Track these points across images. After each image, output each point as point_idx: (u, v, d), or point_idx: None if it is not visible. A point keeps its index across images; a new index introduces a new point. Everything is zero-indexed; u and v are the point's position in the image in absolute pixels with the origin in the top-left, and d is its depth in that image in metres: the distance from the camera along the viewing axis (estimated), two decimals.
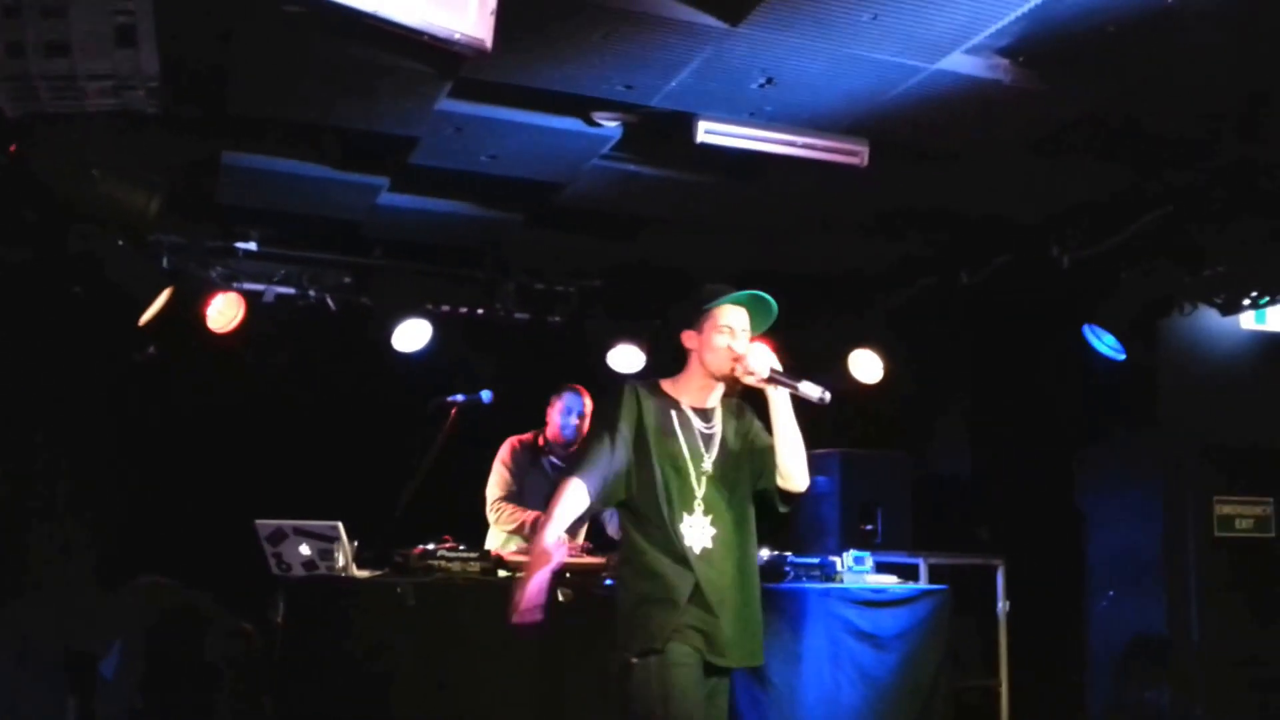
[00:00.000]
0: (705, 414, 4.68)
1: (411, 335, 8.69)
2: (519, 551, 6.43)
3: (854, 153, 6.47)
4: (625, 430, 4.55)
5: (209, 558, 7.01)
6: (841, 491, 8.73)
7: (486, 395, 7.02)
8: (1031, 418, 9.00)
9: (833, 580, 6.94)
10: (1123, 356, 7.78)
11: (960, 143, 6.51)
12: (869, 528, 8.59)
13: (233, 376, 8.30)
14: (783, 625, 6.55)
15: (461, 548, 6.33)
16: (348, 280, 8.69)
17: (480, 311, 9.04)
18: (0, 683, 7.02)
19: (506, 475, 7.26)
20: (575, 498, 4.45)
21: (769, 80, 5.76)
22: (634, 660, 4.41)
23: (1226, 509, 8.24)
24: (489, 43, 4.75)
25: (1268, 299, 7.63)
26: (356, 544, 6.07)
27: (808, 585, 6.81)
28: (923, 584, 7.47)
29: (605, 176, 7.18)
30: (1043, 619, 8.32)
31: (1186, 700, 7.87)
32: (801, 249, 8.56)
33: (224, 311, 8.05)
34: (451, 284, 8.98)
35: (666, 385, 4.72)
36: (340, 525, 5.95)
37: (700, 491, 4.57)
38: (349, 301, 8.68)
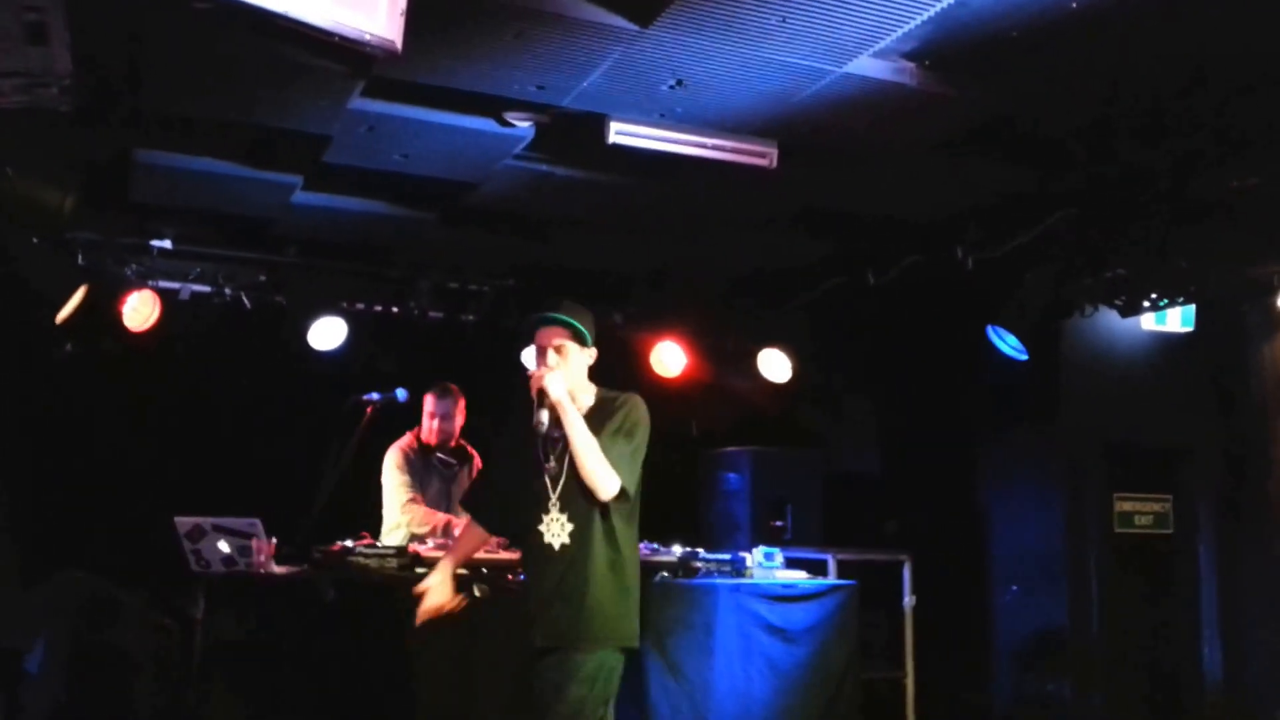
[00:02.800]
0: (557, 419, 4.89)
1: (326, 334, 8.67)
2: (436, 547, 6.47)
3: (763, 154, 6.54)
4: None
5: (129, 554, 7.01)
6: (752, 488, 8.86)
7: (402, 394, 7.05)
8: (938, 416, 9.14)
9: (743, 575, 7.05)
10: (1025, 356, 7.90)
11: (867, 144, 6.60)
12: (779, 524, 8.71)
13: (149, 374, 8.25)
14: (695, 620, 6.65)
15: (379, 544, 6.37)
16: (262, 278, 8.64)
17: (395, 310, 9.04)
18: None
19: (407, 478, 7.29)
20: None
21: (679, 82, 5.82)
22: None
23: (1126, 505, 8.44)
24: (399, 43, 4.77)
25: (1167, 300, 7.76)
26: (275, 541, 6.09)
27: (719, 580, 6.90)
28: (832, 579, 7.58)
29: (518, 176, 7.21)
30: (949, 612, 8.46)
31: (1086, 691, 8.04)
32: (712, 249, 8.63)
33: (139, 309, 8.00)
34: (366, 282, 8.98)
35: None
36: (259, 522, 5.97)
37: (552, 493, 4.87)
38: (264, 300, 8.64)
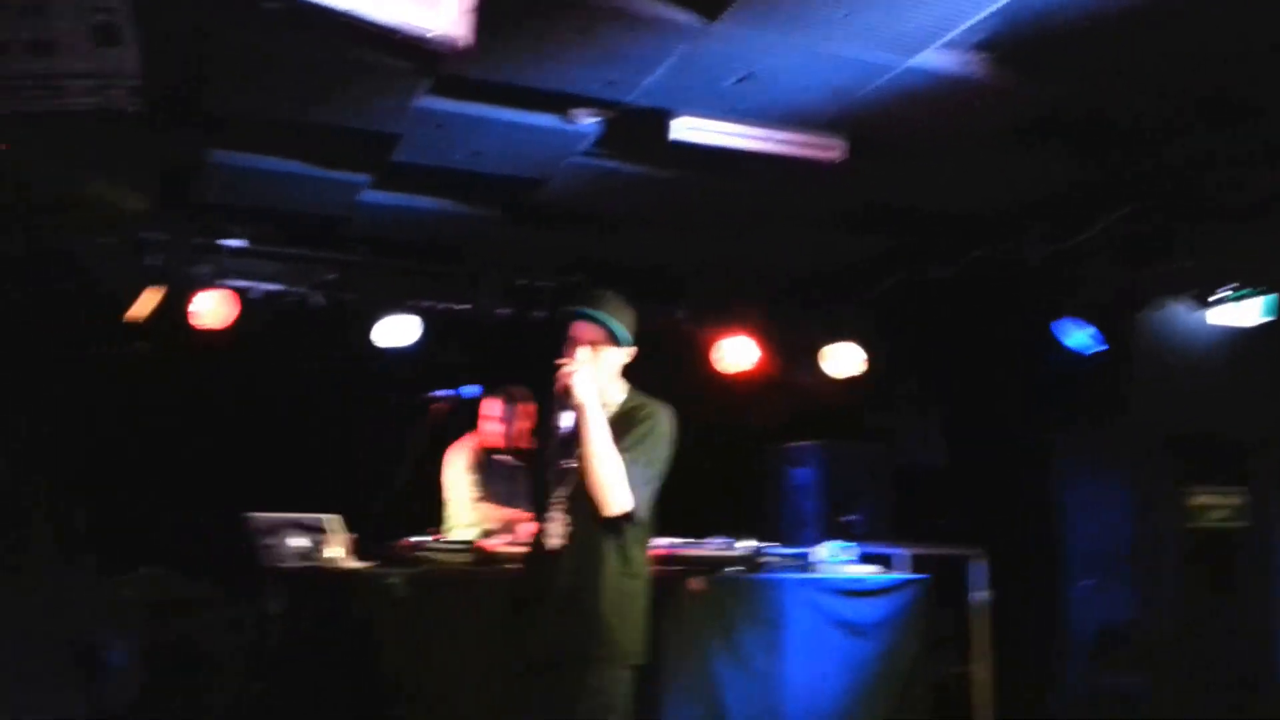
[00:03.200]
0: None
1: (396, 331, 8.71)
2: (506, 542, 6.50)
3: (829, 148, 6.52)
4: None
5: (204, 551, 7.08)
6: (821, 484, 8.84)
7: (471, 390, 7.08)
8: (1006, 410, 9.06)
9: (813, 570, 7.02)
10: (1093, 349, 7.85)
11: (933, 138, 6.57)
12: (848, 518, 8.68)
13: (222, 373, 8.35)
14: (765, 614, 6.64)
15: (449, 539, 6.42)
16: (332, 277, 8.71)
17: (463, 307, 9.08)
18: (5, 676, 7.08)
19: (476, 477, 7.31)
20: None
21: (744, 77, 5.82)
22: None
23: (1199, 499, 8.33)
24: (466, 40, 4.78)
25: (1238, 292, 7.67)
26: (348, 535, 6.15)
27: (789, 576, 6.88)
28: (902, 574, 7.55)
29: (584, 173, 7.22)
30: (1019, 607, 8.39)
31: (1159, 686, 7.96)
32: (777, 244, 8.62)
33: (211, 309, 8.07)
34: (434, 280, 9.02)
35: None
36: (333, 517, 6.03)
37: (561, 492, 4.62)
38: (334, 298, 8.71)
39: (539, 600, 4.60)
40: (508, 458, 7.43)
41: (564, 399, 4.55)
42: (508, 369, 7.67)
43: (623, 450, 4.55)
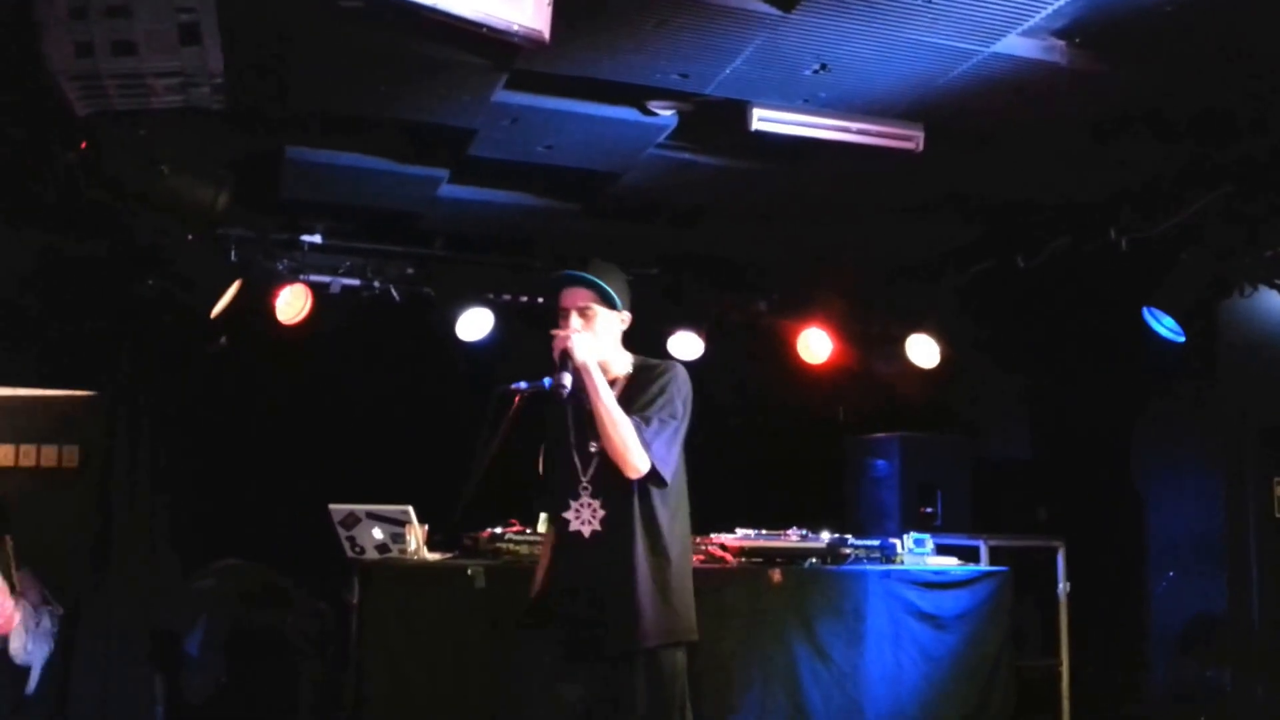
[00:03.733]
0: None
1: (474, 324, 8.78)
2: None
3: (909, 138, 6.45)
4: None
5: (286, 542, 7.16)
6: (901, 474, 8.80)
7: (548, 382, 7.09)
8: (1091, 400, 8.98)
9: (893, 562, 7.00)
10: (1182, 338, 7.75)
11: (1016, 126, 6.48)
12: (929, 510, 8.63)
13: (302, 366, 8.43)
14: (845, 606, 6.63)
15: (528, 531, 6.44)
16: (410, 271, 8.77)
17: (540, 300, 9.11)
18: (90, 662, 7.23)
19: None
20: None
21: (823, 66, 5.76)
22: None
23: None
24: (546, 33, 4.79)
25: None
26: (427, 527, 6.19)
27: (869, 567, 6.87)
28: (983, 566, 7.50)
29: (661, 165, 7.20)
30: (1103, 599, 8.33)
31: (1246, 680, 7.85)
32: (857, 235, 8.56)
33: (291, 303, 8.16)
34: (512, 274, 9.06)
35: None
36: (411, 509, 6.08)
37: (585, 474, 4.57)
38: (412, 292, 8.77)
39: (573, 590, 4.52)
40: None
41: (563, 362, 4.48)
42: None
43: (639, 411, 4.48)
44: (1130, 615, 8.54)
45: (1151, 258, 7.75)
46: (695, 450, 4.81)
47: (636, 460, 4.40)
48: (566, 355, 4.47)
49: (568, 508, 4.54)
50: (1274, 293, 7.72)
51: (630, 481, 4.47)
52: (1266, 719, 7.77)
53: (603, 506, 4.50)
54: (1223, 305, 8.01)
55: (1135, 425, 8.77)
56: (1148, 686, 8.44)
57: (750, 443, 9.65)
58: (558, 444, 4.64)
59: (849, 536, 7.11)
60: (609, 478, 4.50)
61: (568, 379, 4.43)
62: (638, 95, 6.25)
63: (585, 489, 4.53)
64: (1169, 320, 7.76)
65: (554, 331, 4.57)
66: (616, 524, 4.49)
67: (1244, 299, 7.88)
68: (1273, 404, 8.13)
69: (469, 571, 5.99)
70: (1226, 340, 8.13)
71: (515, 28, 4.68)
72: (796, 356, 9.51)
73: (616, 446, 4.40)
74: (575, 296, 4.65)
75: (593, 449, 4.55)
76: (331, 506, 6.03)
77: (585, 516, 4.51)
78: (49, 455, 8.21)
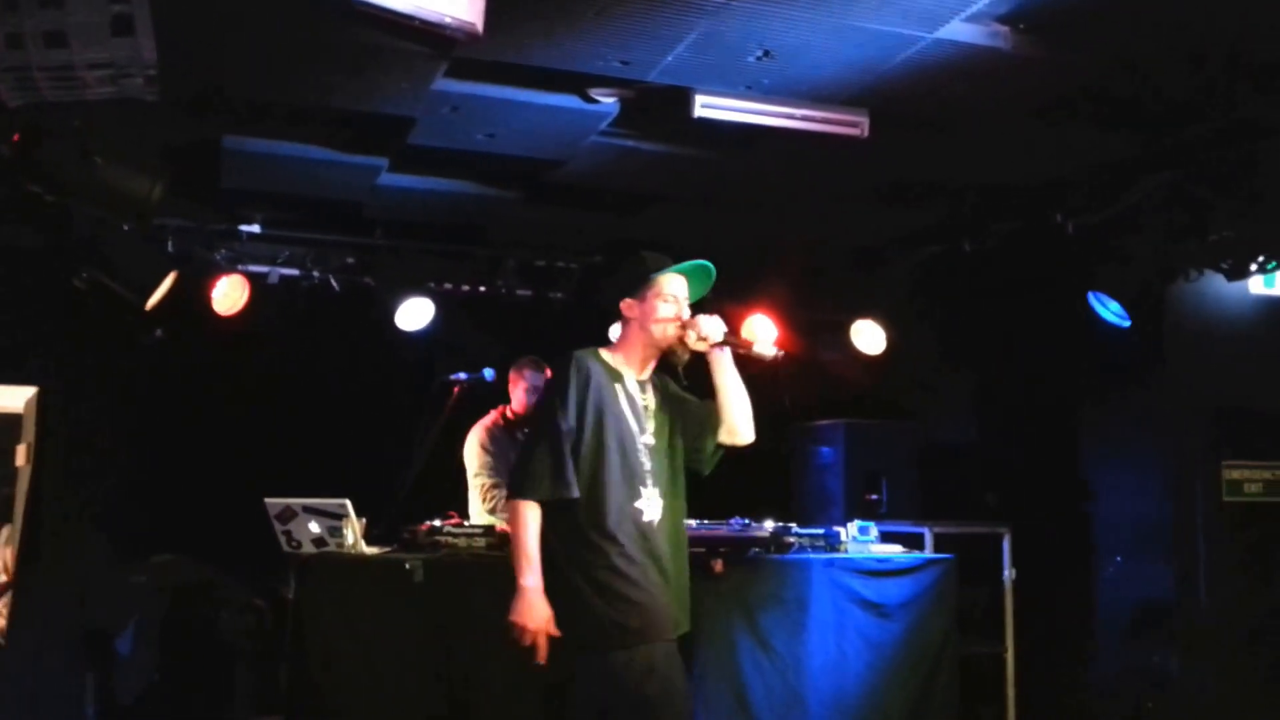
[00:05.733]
0: (643, 385, 4.73)
1: (414, 314, 8.72)
2: None
3: (854, 124, 6.44)
4: (574, 420, 4.52)
5: (221, 536, 7.08)
6: (846, 462, 8.77)
7: (489, 373, 7.05)
8: (1037, 385, 8.99)
9: (837, 550, 6.96)
10: (1128, 323, 7.78)
11: (961, 111, 6.47)
12: (874, 497, 8.62)
13: (239, 358, 8.35)
14: (787, 595, 6.59)
15: (467, 524, 6.38)
16: (350, 261, 8.72)
17: (482, 290, 9.05)
18: (20, 660, 7.12)
19: (488, 459, 7.26)
20: (535, 523, 4.46)
21: (766, 52, 5.73)
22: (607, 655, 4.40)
23: (1235, 473, 8.23)
24: (480, 25, 4.78)
25: (1275, 263, 7.58)
26: (365, 521, 6.12)
27: (812, 555, 6.82)
28: (928, 553, 7.49)
29: (604, 152, 7.16)
30: (1050, 585, 8.34)
31: (1194, 665, 7.88)
32: (803, 221, 8.55)
33: (229, 294, 8.09)
34: (453, 263, 9.00)
35: (607, 356, 4.75)
36: (348, 503, 6.00)
37: (649, 465, 4.60)
38: (352, 282, 8.71)
39: (662, 585, 4.53)
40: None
41: (724, 341, 4.70)
42: (528, 350, 7.62)
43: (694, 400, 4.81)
44: (1077, 601, 8.57)
45: (1098, 243, 7.78)
46: None
47: (750, 431, 4.79)
48: (717, 335, 4.68)
49: (639, 496, 4.56)
50: (1219, 277, 7.75)
51: (674, 470, 4.69)
52: (1213, 704, 7.82)
53: (660, 495, 4.60)
54: (1169, 290, 8.03)
55: (1082, 410, 8.80)
56: (1094, 672, 8.47)
57: None
58: (623, 437, 4.59)
59: (793, 525, 7.05)
60: (663, 467, 4.65)
61: (768, 348, 4.85)
62: (579, 83, 6.21)
63: (651, 477, 4.60)
64: (1114, 305, 7.79)
65: (694, 319, 4.70)
66: (673, 510, 4.66)
67: (1189, 284, 7.92)
68: (1219, 389, 8.17)
69: (407, 565, 5.93)
70: (1172, 325, 8.16)
71: (448, 20, 4.66)
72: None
73: (749, 415, 4.77)
74: (682, 287, 4.79)
75: (650, 439, 4.65)
76: (267, 500, 5.94)
77: (653, 505, 4.57)
78: None
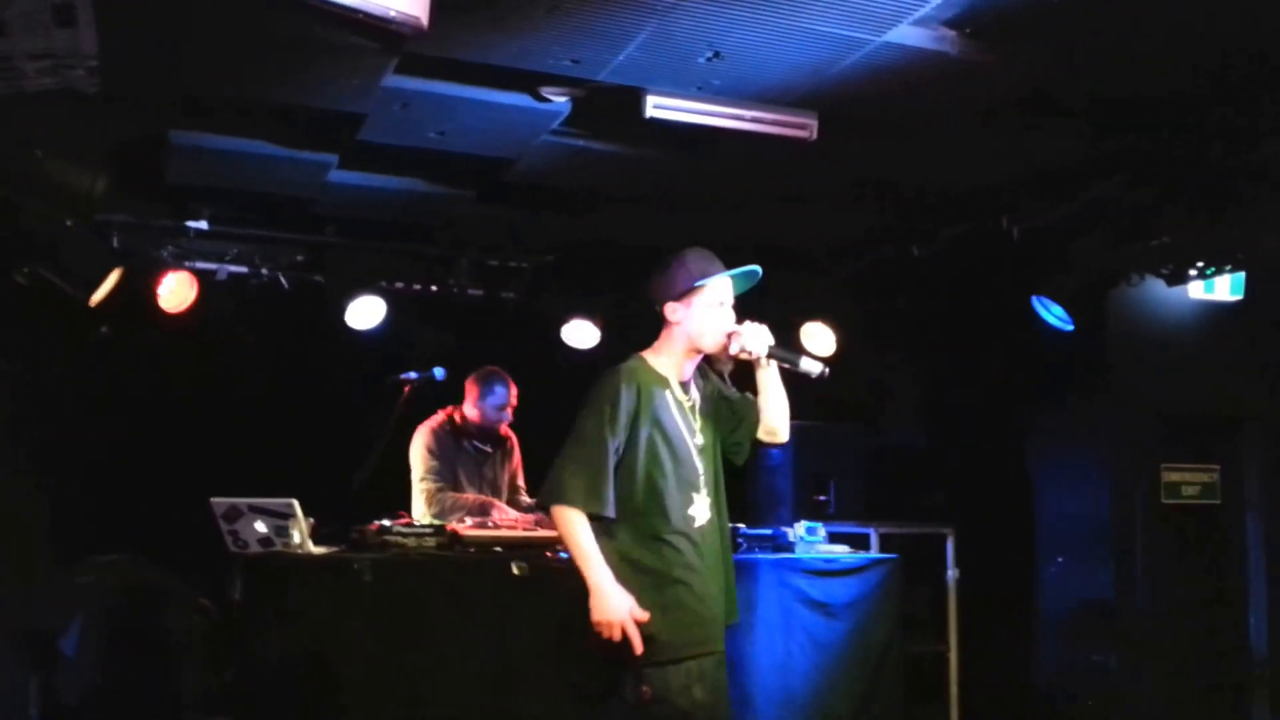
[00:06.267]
0: (685, 386, 4.66)
1: (365, 313, 8.66)
2: (475, 525, 6.44)
3: (803, 126, 6.45)
4: (624, 435, 4.42)
5: (166, 535, 7.02)
6: (794, 463, 8.77)
7: (440, 372, 7.00)
8: (983, 388, 9.06)
9: (785, 550, 7.00)
10: (1070, 327, 7.84)
11: (909, 114, 6.50)
12: (822, 498, 8.64)
13: (186, 355, 8.28)
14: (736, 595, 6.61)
15: (417, 524, 6.35)
16: (300, 258, 8.66)
17: (434, 288, 9.01)
18: None
19: (434, 462, 7.19)
20: (581, 521, 4.35)
21: (715, 54, 5.74)
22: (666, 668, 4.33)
23: (1174, 476, 8.34)
24: (425, 19, 4.73)
25: (1214, 269, 7.67)
26: (312, 521, 6.08)
27: (760, 556, 6.86)
28: (874, 553, 7.54)
29: (555, 152, 7.14)
30: (993, 585, 8.40)
31: (1134, 663, 7.97)
32: (753, 222, 8.55)
33: (176, 291, 8.02)
34: (404, 261, 8.96)
35: (652, 360, 4.64)
36: (295, 502, 5.96)
37: (700, 468, 4.55)
38: (302, 279, 8.65)
39: (701, 587, 4.46)
40: (481, 442, 7.36)
41: (769, 354, 4.66)
42: (479, 350, 7.60)
43: (739, 396, 4.79)
44: (1019, 601, 8.64)
45: (1043, 246, 7.83)
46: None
47: (787, 433, 4.82)
48: (763, 345, 4.64)
49: (691, 503, 4.49)
50: (1160, 282, 7.83)
51: (717, 467, 4.64)
52: (1151, 701, 7.90)
53: (708, 495, 4.55)
54: (1111, 294, 8.11)
55: (1026, 412, 8.86)
56: (1036, 671, 8.55)
57: None
58: (676, 445, 4.51)
59: (741, 525, 7.09)
60: (710, 466, 4.60)
61: (815, 365, 4.71)
62: (530, 81, 6.19)
63: (702, 479, 4.55)
64: (1058, 309, 7.85)
65: (747, 327, 4.68)
66: (720, 512, 4.63)
67: (1131, 288, 7.99)
68: (1160, 392, 8.27)
69: (355, 565, 5.89)
70: (1115, 329, 8.25)
71: (392, 13, 4.62)
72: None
73: (786, 421, 4.77)
74: (729, 292, 4.75)
75: (700, 440, 4.59)
76: (212, 500, 5.89)
77: (703, 507, 4.52)
78: None
